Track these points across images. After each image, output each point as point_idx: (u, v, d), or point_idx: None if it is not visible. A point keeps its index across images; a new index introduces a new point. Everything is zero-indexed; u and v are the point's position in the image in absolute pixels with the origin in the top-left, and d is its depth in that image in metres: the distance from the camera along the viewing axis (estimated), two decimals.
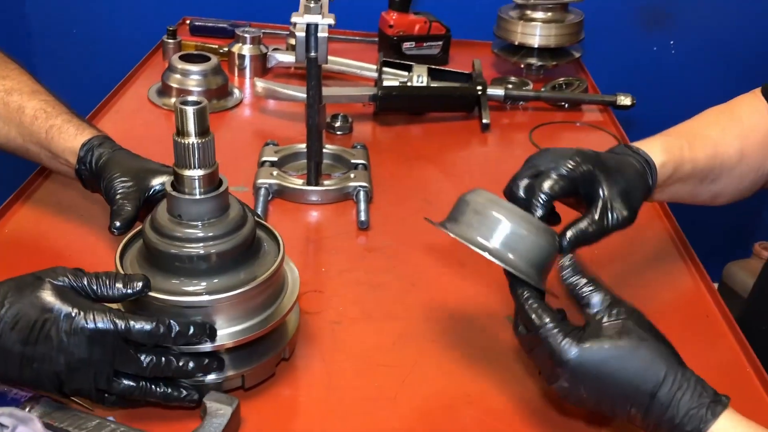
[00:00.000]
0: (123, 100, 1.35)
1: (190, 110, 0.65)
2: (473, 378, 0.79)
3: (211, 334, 0.68)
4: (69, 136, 0.89)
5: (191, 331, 0.67)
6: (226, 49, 1.50)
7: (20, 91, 0.94)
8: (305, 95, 1.26)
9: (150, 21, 1.80)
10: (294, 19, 0.95)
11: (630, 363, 0.62)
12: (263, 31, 1.56)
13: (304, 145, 1.15)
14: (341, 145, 1.20)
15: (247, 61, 1.48)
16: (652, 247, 1.05)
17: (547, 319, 0.64)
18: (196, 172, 0.67)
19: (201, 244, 0.68)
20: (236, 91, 1.40)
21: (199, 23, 1.65)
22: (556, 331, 0.63)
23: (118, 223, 0.80)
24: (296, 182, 1.10)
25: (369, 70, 1.44)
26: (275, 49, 1.48)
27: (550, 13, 1.50)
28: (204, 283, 0.69)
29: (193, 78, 1.33)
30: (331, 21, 0.95)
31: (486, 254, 0.66)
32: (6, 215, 1.00)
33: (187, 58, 1.35)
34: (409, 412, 0.75)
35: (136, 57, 1.52)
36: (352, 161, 1.16)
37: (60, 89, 0.98)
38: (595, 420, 0.74)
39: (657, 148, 0.80)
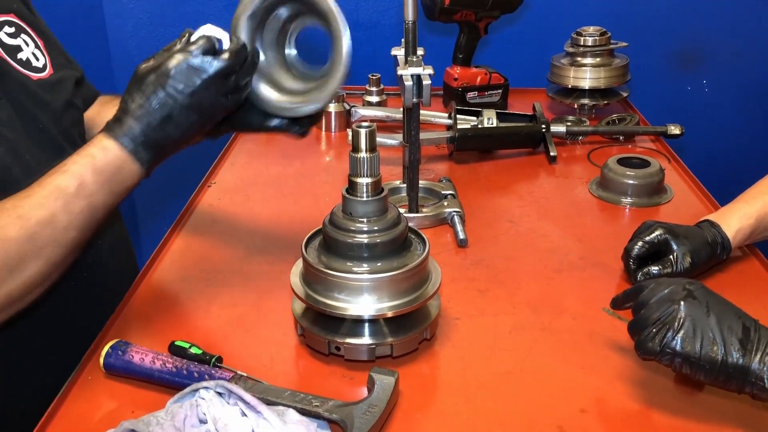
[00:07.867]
0: None
1: (362, 132, 0.83)
2: (583, 357, 0.93)
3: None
4: None
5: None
6: None
7: None
8: (395, 141, 1.44)
9: None
10: (400, 71, 1.13)
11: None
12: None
13: (399, 182, 1.34)
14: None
15: (333, 117, 1.67)
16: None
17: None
18: (365, 180, 0.85)
19: (366, 235, 0.86)
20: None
21: None
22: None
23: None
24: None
25: (441, 117, 1.62)
26: (353, 106, 1.68)
27: (598, 59, 1.69)
28: (367, 266, 0.86)
29: None
30: (430, 71, 1.13)
31: None
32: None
33: None
34: (532, 386, 0.89)
35: None
36: (442, 192, 1.32)
37: None
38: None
39: (734, 219, 1.08)
